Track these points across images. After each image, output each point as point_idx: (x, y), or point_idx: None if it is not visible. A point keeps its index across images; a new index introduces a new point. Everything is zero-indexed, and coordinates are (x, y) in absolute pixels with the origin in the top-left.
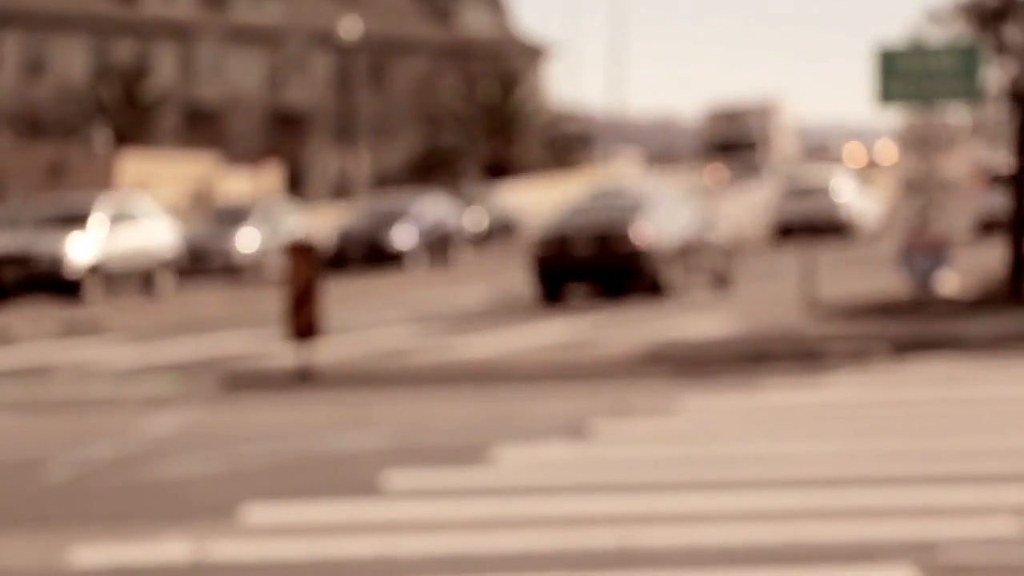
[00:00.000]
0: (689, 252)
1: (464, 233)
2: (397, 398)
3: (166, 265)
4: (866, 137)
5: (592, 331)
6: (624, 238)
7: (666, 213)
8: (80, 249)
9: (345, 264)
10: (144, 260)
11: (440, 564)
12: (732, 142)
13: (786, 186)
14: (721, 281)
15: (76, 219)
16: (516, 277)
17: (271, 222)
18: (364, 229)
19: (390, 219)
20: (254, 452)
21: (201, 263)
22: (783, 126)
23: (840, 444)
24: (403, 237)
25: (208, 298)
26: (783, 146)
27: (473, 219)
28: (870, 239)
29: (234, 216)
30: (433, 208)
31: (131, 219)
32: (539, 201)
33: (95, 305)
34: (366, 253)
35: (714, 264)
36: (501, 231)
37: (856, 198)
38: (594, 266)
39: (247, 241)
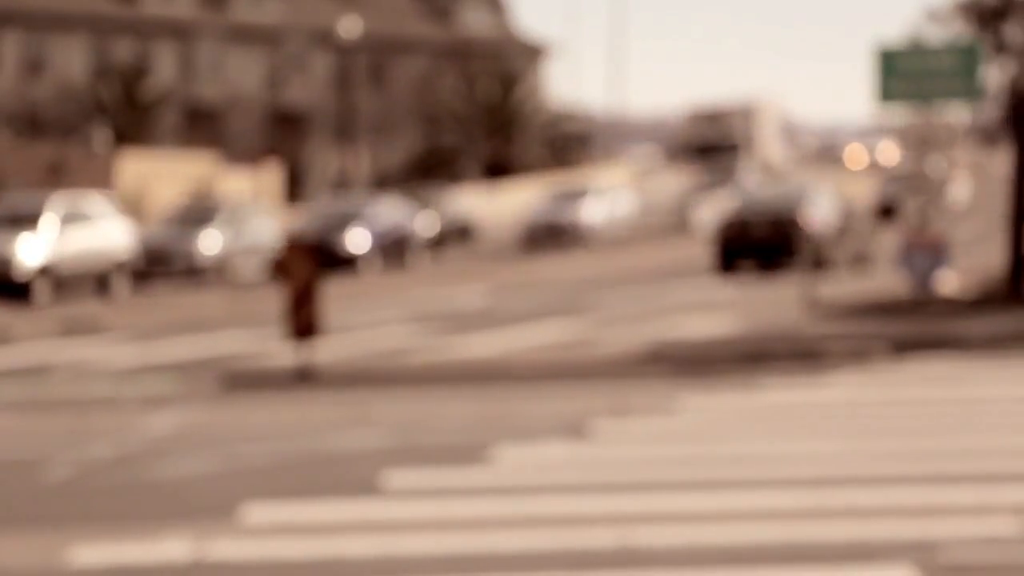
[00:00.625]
0: (840, 234)
1: (420, 237)
2: (397, 398)
3: (121, 267)
4: (868, 137)
5: (592, 331)
6: (794, 222)
7: (823, 202)
8: (30, 250)
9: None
10: (97, 261)
11: (439, 563)
12: (712, 144)
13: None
14: (863, 259)
15: (26, 220)
16: (478, 284)
17: (236, 224)
18: (315, 232)
19: (343, 222)
20: (254, 452)
21: (163, 265)
22: (768, 128)
23: (840, 444)
24: (356, 240)
25: (169, 300)
26: (768, 149)
27: (426, 223)
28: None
29: (198, 217)
30: (388, 211)
31: (84, 219)
32: (494, 205)
33: (46, 308)
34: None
35: (857, 245)
36: (456, 235)
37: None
38: (768, 245)
39: (210, 243)
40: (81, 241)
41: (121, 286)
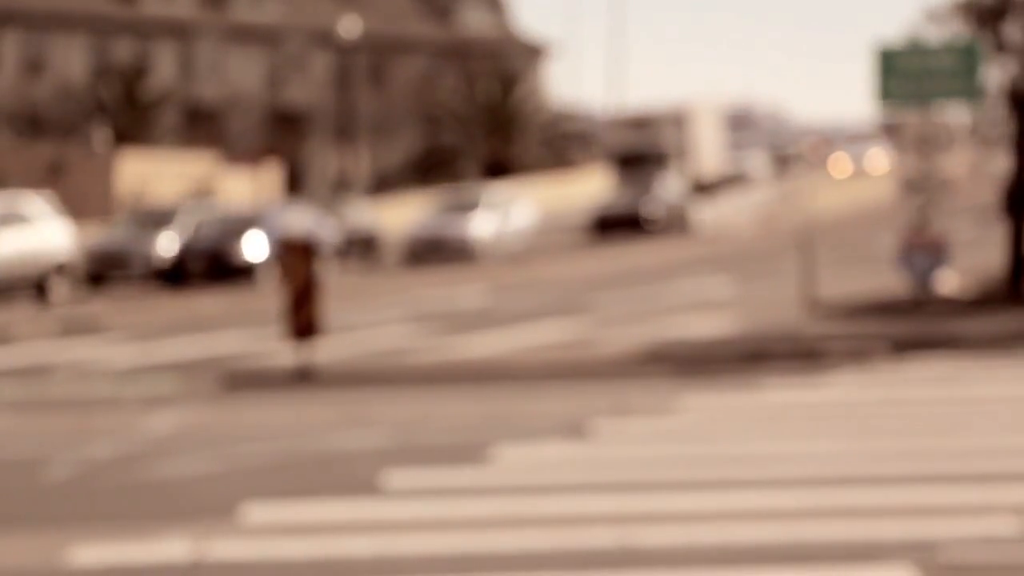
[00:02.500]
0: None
1: (328, 247)
2: (396, 397)
3: (60, 269)
4: (858, 142)
5: (592, 331)
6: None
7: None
8: None
9: (184, 279)
10: (35, 264)
11: (439, 563)
12: (638, 153)
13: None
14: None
15: None
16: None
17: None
18: (209, 240)
19: (239, 229)
20: (253, 451)
21: (120, 267)
22: (706, 135)
23: (840, 443)
24: (253, 249)
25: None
26: (705, 157)
27: (333, 232)
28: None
29: (156, 219)
30: (292, 218)
31: (22, 221)
32: (399, 215)
33: None
34: (209, 267)
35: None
36: (360, 245)
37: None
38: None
39: (167, 245)
40: (17, 243)
41: (60, 289)
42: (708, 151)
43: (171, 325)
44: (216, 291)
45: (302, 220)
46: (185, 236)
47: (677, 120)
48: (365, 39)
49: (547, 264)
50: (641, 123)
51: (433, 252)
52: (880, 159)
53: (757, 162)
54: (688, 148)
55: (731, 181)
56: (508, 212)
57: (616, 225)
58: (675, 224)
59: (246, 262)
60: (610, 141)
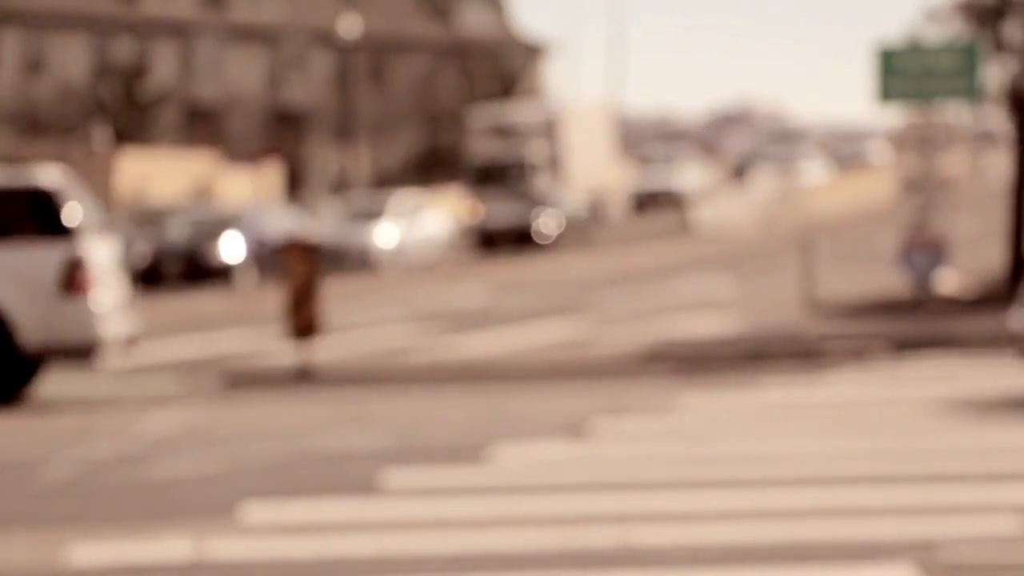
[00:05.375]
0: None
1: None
2: (396, 397)
3: None
4: (864, 137)
5: (592, 330)
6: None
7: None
8: None
9: (159, 280)
10: None
11: (439, 563)
12: (502, 164)
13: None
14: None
15: None
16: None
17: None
18: (184, 241)
19: (216, 230)
20: (253, 451)
21: None
22: (585, 143)
23: (839, 443)
24: (230, 250)
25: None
26: (585, 167)
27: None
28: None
29: (155, 219)
30: (272, 218)
31: None
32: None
33: None
34: (185, 268)
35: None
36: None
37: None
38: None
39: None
40: None
41: None
42: (590, 159)
43: (171, 325)
44: (194, 292)
45: (281, 221)
46: (161, 237)
47: (547, 128)
48: (365, 39)
49: (443, 277)
50: (506, 131)
51: (331, 261)
52: (879, 159)
53: (692, 176)
54: (560, 159)
55: (651, 198)
56: (416, 221)
57: (502, 240)
58: (574, 238)
59: (223, 263)
60: (470, 152)
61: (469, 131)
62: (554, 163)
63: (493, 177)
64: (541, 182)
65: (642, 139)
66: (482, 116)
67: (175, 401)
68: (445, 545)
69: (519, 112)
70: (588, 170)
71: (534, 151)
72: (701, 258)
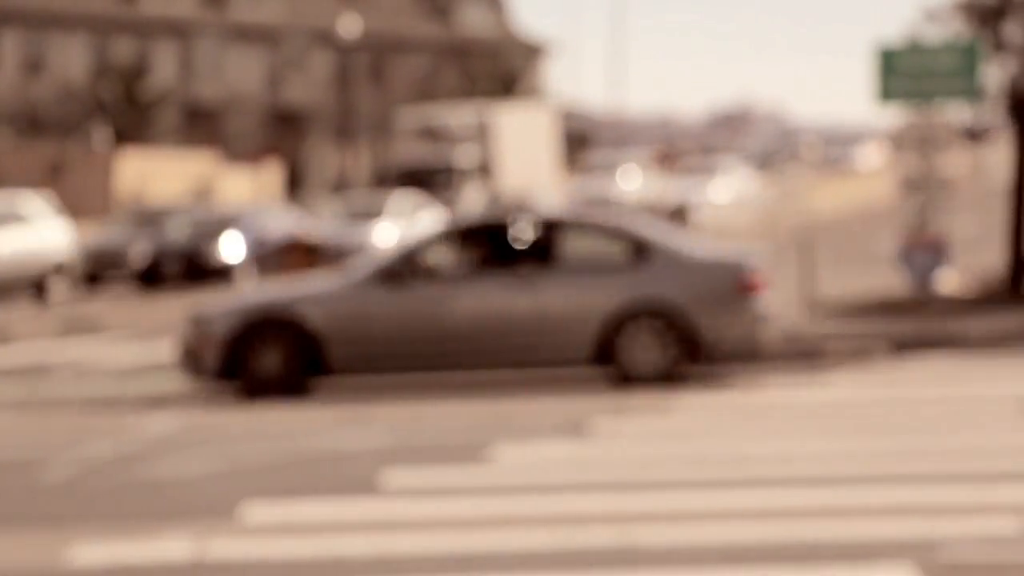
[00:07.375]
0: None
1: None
2: (396, 397)
3: (59, 269)
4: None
5: None
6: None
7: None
8: None
9: (158, 280)
10: (34, 264)
11: (438, 562)
12: (428, 168)
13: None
14: None
15: None
16: None
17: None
18: (184, 241)
19: (216, 230)
20: (253, 451)
21: (117, 267)
22: (520, 147)
23: (840, 443)
24: (230, 250)
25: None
26: (519, 173)
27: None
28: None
29: (153, 219)
30: (272, 218)
31: (19, 220)
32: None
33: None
34: (185, 268)
35: None
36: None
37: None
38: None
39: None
40: (15, 243)
41: (59, 289)
42: (522, 169)
43: (171, 325)
44: (194, 292)
45: (281, 221)
46: (161, 237)
47: (478, 131)
48: (365, 39)
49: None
50: (434, 134)
51: (332, 261)
52: (866, 164)
53: (634, 184)
54: (492, 163)
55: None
56: (415, 221)
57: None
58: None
59: (223, 263)
60: (398, 156)
61: (395, 133)
62: (485, 169)
63: (418, 182)
64: (469, 189)
65: (634, 141)
66: (409, 117)
67: (175, 401)
68: (445, 545)
69: (449, 114)
70: (522, 177)
71: (463, 156)
72: None
